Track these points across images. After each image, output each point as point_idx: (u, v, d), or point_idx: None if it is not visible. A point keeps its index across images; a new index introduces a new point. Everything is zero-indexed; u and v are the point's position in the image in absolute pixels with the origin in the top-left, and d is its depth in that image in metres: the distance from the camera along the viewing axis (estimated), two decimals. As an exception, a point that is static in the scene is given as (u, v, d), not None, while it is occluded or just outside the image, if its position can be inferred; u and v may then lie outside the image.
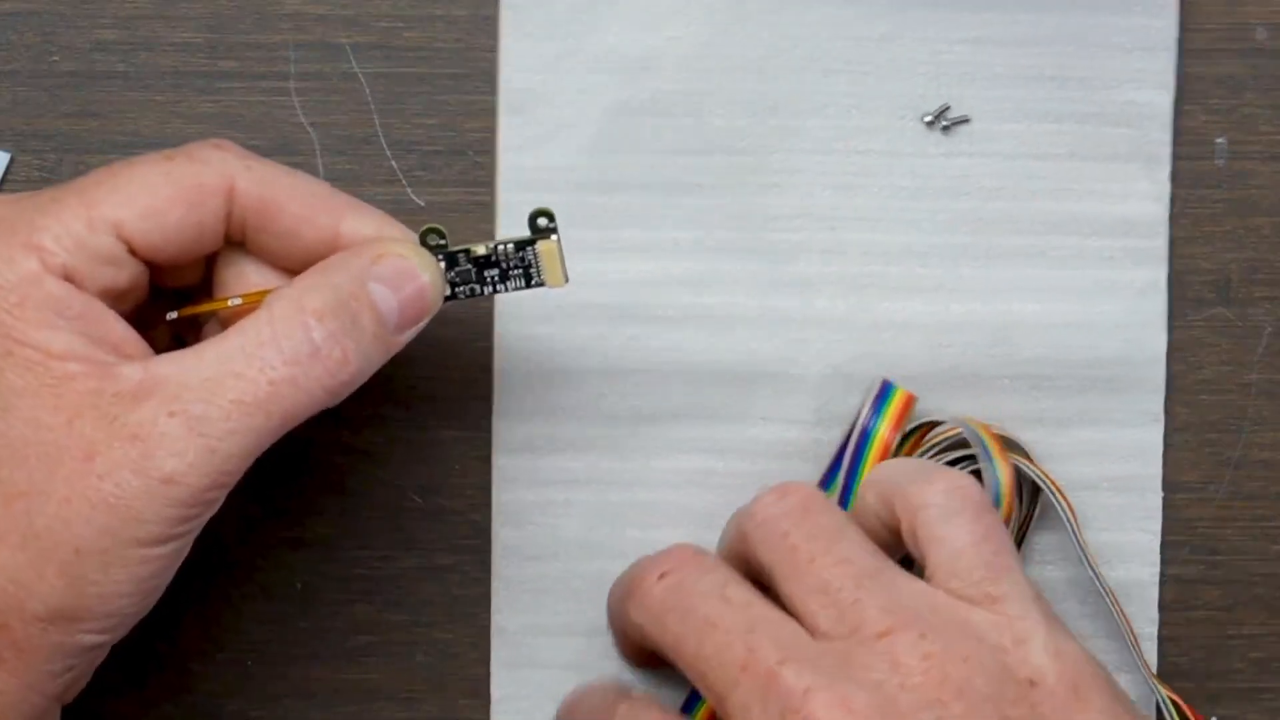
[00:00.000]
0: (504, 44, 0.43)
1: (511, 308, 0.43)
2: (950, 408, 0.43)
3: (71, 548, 0.33)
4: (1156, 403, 0.43)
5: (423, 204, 0.43)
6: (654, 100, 0.43)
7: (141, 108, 0.43)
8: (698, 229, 0.43)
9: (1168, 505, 0.44)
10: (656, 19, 0.43)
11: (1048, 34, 0.43)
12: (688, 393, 0.43)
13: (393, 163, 0.43)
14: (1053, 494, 0.42)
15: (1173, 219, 0.44)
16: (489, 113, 0.43)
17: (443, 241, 0.38)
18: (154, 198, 0.35)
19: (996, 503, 0.40)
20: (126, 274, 0.35)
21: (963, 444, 0.42)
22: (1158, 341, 0.43)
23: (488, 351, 0.43)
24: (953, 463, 0.42)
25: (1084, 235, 0.43)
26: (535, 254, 0.38)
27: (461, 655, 0.44)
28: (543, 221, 0.38)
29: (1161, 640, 0.44)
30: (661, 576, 0.38)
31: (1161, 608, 0.44)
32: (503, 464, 0.43)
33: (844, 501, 0.42)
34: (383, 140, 0.43)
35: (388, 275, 0.36)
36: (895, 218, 0.43)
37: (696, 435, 0.43)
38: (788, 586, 0.37)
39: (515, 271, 0.38)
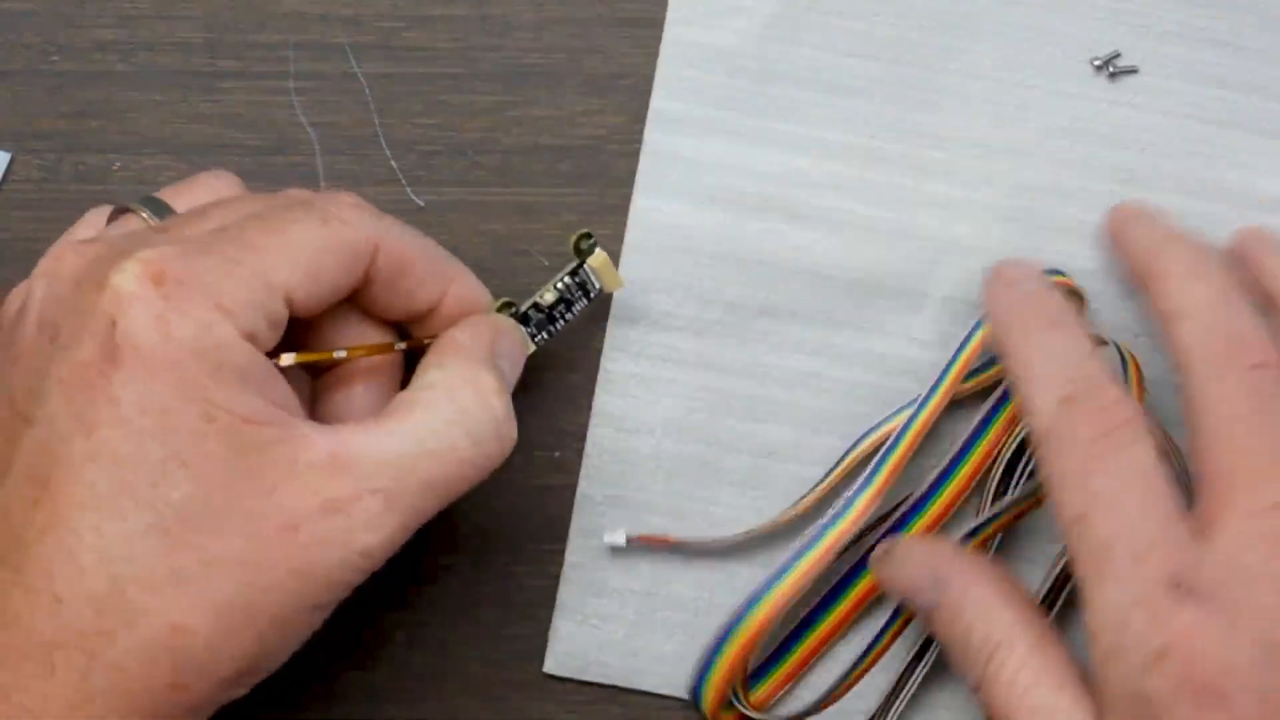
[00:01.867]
0: None
1: (650, 181, 0.43)
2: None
3: (269, 615, 0.33)
4: None
5: (423, 204, 0.43)
6: None
7: (141, 108, 0.43)
8: (850, 133, 0.43)
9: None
10: None
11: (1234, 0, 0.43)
12: (812, 294, 0.43)
13: (393, 163, 0.43)
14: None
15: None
16: (489, 112, 0.43)
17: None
18: (316, 263, 0.35)
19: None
20: (281, 332, 0.35)
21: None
22: None
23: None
24: None
25: (1228, 204, 0.43)
26: (592, 273, 0.40)
27: (461, 655, 0.43)
28: (585, 244, 0.40)
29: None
30: (1256, 366, 0.36)
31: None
32: (615, 333, 0.43)
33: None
34: (383, 140, 0.43)
35: (510, 351, 0.38)
36: (1048, 156, 0.43)
37: (814, 337, 0.43)
38: None
39: (576, 295, 0.41)
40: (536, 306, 0.40)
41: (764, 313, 0.43)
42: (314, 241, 0.35)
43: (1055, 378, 0.37)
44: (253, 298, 0.33)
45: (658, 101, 0.43)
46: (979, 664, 0.36)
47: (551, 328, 0.41)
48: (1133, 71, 0.43)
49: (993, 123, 0.43)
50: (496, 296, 0.39)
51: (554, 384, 0.43)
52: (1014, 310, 0.39)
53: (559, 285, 0.41)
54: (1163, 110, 0.43)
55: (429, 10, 0.43)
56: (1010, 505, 0.41)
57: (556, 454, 0.43)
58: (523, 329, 0.40)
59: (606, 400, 0.43)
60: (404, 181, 0.43)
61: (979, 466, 0.41)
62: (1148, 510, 0.35)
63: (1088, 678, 0.35)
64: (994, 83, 0.43)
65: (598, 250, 0.40)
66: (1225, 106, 0.43)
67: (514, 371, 0.38)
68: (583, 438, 0.43)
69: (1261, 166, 0.43)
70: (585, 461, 0.43)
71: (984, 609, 0.37)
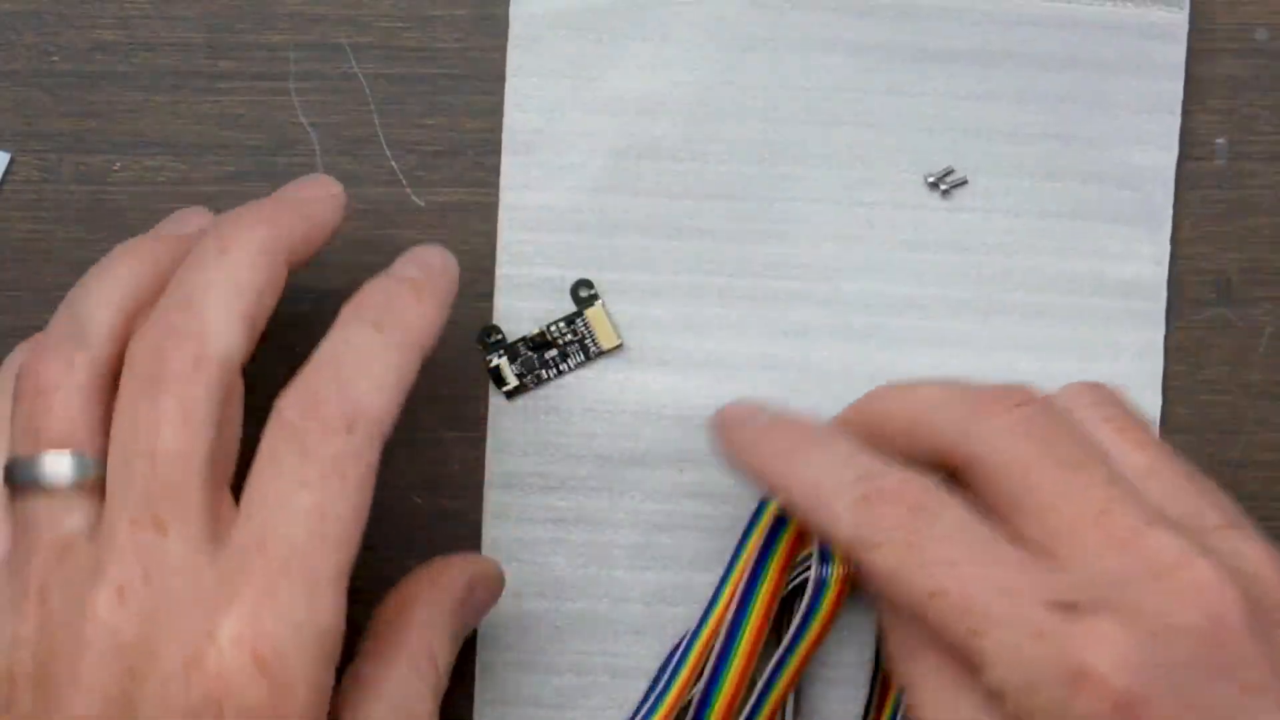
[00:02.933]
0: (510, 84, 0.43)
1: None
2: None
3: None
4: None
5: (423, 204, 0.43)
6: (657, 145, 0.43)
7: (141, 108, 0.43)
8: (696, 274, 0.43)
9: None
10: (662, 64, 0.43)
11: (1054, 92, 0.43)
12: (680, 436, 0.43)
13: (393, 163, 0.43)
14: None
15: (1173, 219, 0.44)
16: (489, 113, 0.43)
17: (500, 336, 0.42)
18: (256, 315, 0.36)
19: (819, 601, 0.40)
20: None
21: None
22: (1153, 403, 0.43)
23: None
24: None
25: (1084, 295, 0.43)
26: (585, 322, 0.41)
27: (461, 655, 0.43)
28: (584, 292, 0.42)
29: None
30: (1018, 405, 0.37)
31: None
32: (494, 500, 0.43)
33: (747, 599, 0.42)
34: (383, 140, 0.43)
35: (481, 603, 0.41)
36: (896, 269, 0.43)
37: (690, 479, 0.43)
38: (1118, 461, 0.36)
39: (572, 347, 0.42)
40: (525, 341, 0.42)
41: (634, 461, 0.43)
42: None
43: (838, 488, 0.36)
44: None
45: (504, 268, 0.43)
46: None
47: (542, 372, 0.42)
48: (963, 183, 0.43)
49: (838, 245, 0.43)
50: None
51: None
52: (762, 445, 0.39)
53: (551, 328, 0.42)
54: (1004, 210, 0.43)
55: (429, 10, 0.43)
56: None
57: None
58: (500, 569, 0.40)
59: (494, 569, 0.43)
60: (404, 182, 0.43)
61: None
62: (993, 558, 0.34)
63: None
64: (834, 205, 0.43)
65: (597, 303, 0.42)
66: (1066, 198, 0.43)
67: (477, 618, 0.40)
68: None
69: (1114, 252, 0.43)
70: (482, 631, 0.43)
71: None
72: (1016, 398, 0.37)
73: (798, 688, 0.43)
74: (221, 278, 0.35)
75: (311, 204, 0.38)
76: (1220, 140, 0.44)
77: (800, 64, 0.43)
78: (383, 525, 0.43)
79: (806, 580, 0.41)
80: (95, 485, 0.35)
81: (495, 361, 0.43)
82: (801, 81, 0.43)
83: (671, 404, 0.43)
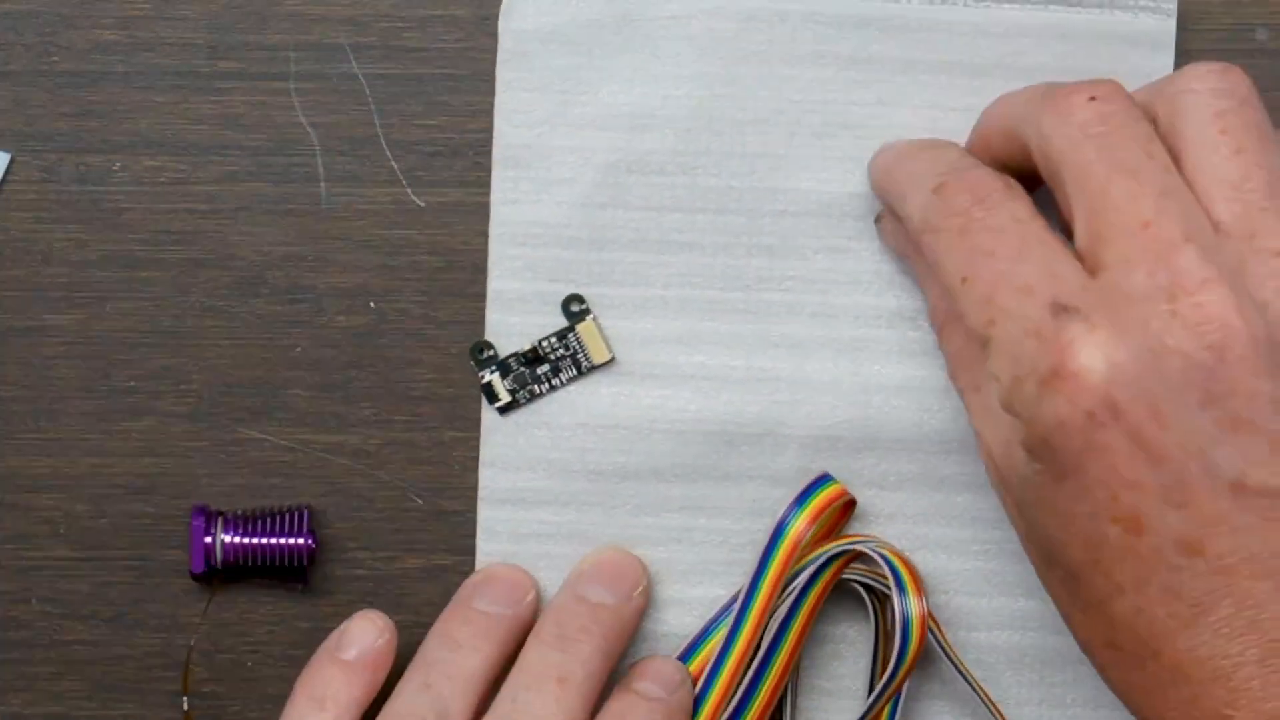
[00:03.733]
0: (500, 99, 0.43)
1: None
2: (938, 471, 0.43)
3: None
4: None
5: (423, 204, 0.43)
6: (647, 158, 0.43)
7: (141, 108, 0.43)
8: (687, 287, 0.43)
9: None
10: (651, 78, 0.43)
11: None
12: (673, 450, 0.43)
13: (393, 163, 0.43)
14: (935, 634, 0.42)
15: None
16: (489, 113, 0.43)
17: (492, 352, 0.42)
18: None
19: (907, 639, 0.41)
20: None
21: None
22: None
23: (489, 354, 0.43)
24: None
25: None
26: (577, 336, 0.42)
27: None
28: (575, 306, 0.42)
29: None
30: (1091, 99, 0.36)
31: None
32: (486, 516, 0.43)
33: (752, 588, 0.42)
34: (383, 140, 0.43)
35: None
36: (886, 282, 0.43)
37: (680, 493, 0.43)
38: (1202, 160, 0.35)
39: (565, 362, 0.42)
40: (517, 356, 0.42)
41: (626, 476, 0.43)
42: None
43: (926, 175, 0.38)
44: None
45: (495, 283, 0.43)
46: None
47: (535, 387, 0.42)
48: None
49: (828, 257, 0.43)
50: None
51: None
52: (887, 155, 0.41)
53: (543, 343, 0.42)
54: None
55: (429, 10, 0.43)
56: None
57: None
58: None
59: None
60: (404, 182, 0.43)
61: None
62: (1028, 252, 0.35)
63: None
64: (824, 218, 0.43)
65: (589, 318, 0.42)
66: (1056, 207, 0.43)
67: None
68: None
69: None
70: None
71: None
72: (1093, 91, 0.36)
73: (795, 699, 0.43)
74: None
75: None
76: (1222, 139, 0.44)
77: (790, 77, 0.43)
78: (383, 525, 0.43)
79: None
80: None
81: (488, 378, 0.43)
82: (791, 94, 0.43)
83: (663, 418, 0.43)
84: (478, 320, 0.43)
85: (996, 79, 0.43)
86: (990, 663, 0.43)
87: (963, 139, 0.42)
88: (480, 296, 0.43)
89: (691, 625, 0.43)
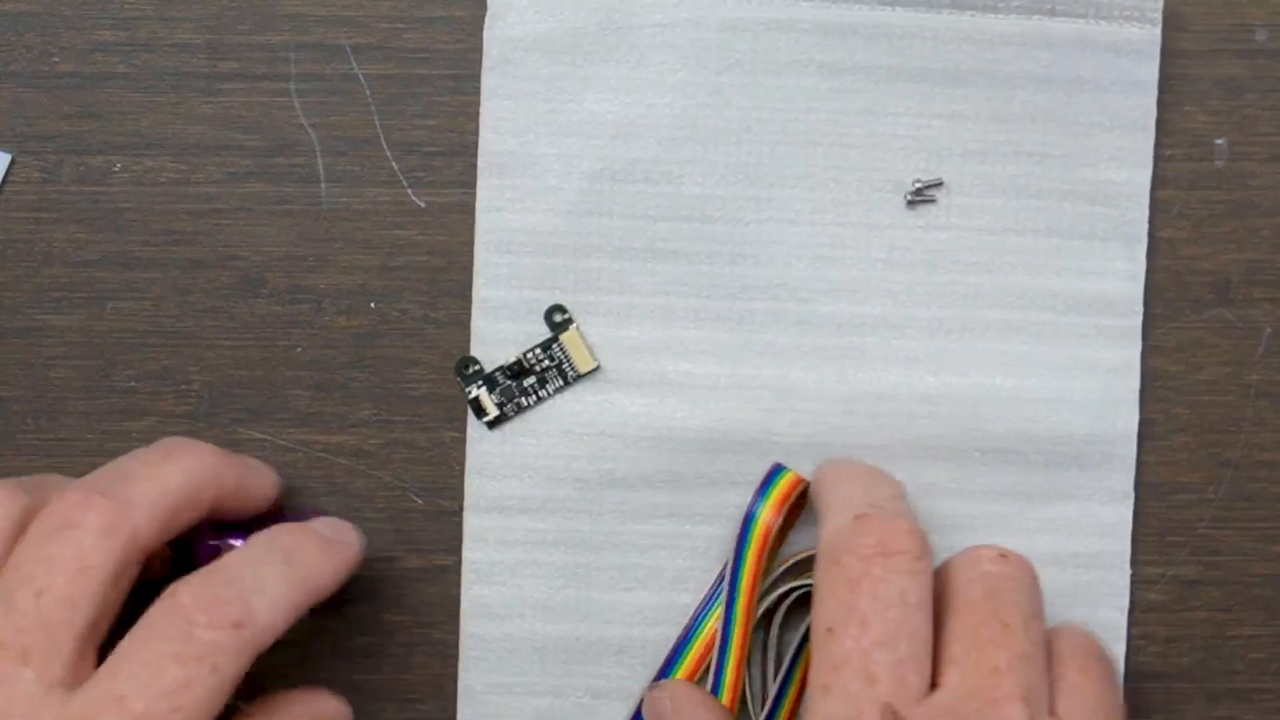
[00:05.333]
0: (485, 106, 0.43)
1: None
2: (922, 478, 0.43)
3: None
4: (1127, 481, 0.43)
5: (423, 205, 0.43)
6: (631, 167, 0.43)
7: (141, 108, 0.43)
8: (672, 296, 0.43)
9: (1168, 505, 0.44)
10: (636, 86, 0.43)
11: (1027, 111, 0.43)
12: (659, 457, 0.43)
13: (393, 164, 0.43)
14: None
15: (1173, 220, 0.44)
16: (489, 114, 0.43)
17: (479, 367, 0.42)
18: (173, 517, 0.38)
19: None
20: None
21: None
22: (1129, 420, 0.43)
23: (488, 352, 0.43)
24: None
25: (1059, 312, 0.43)
26: (561, 346, 0.42)
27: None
28: (558, 316, 0.42)
29: (1161, 640, 0.44)
30: (1002, 556, 0.38)
31: (1161, 608, 0.44)
32: (473, 523, 0.43)
33: (734, 581, 0.42)
34: (383, 141, 0.43)
35: None
36: (871, 289, 0.43)
37: (666, 500, 0.43)
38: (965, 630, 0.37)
39: (550, 373, 0.42)
40: (503, 370, 0.42)
41: (613, 483, 0.43)
42: (166, 497, 0.38)
43: (856, 501, 0.38)
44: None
45: (482, 290, 0.43)
46: None
47: (522, 400, 0.42)
48: (931, 201, 0.43)
49: (813, 265, 0.43)
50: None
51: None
52: (834, 468, 0.41)
53: (528, 355, 0.42)
54: (979, 228, 0.43)
55: (429, 11, 0.43)
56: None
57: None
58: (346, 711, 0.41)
59: (476, 592, 0.43)
60: (404, 182, 0.43)
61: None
62: (896, 644, 0.36)
63: None
64: (808, 226, 0.43)
65: (572, 327, 0.42)
66: (1041, 216, 0.43)
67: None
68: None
69: (1089, 269, 0.43)
70: (463, 654, 0.43)
71: None
72: (1002, 554, 0.38)
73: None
74: (155, 474, 0.38)
75: (261, 480, 0.41)
76: (1220, 141, 0.44)
77: (774, 85, 0.43)
78: (382, 525, 0.43)
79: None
80: None
81: (475, 393, 0.43)
82: (776, 103, 0.43)
83: (649, 425, 0.43)
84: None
85: (980, 87, 0.43)
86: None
87: (946, 147, 0.43)
88: (477, 297, 0.43)
89: (676, 632, 0.43)
